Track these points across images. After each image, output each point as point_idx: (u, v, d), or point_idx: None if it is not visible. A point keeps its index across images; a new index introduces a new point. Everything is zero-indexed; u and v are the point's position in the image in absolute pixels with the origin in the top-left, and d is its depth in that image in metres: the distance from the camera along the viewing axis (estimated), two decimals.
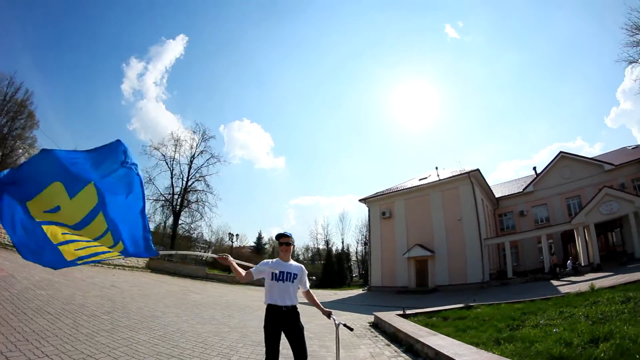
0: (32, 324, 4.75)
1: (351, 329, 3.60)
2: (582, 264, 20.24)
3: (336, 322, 3.47)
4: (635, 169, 25.10)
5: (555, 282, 17.04)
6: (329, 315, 3.60)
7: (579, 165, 27.23)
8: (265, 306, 3.47)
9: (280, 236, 3.63)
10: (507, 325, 6.13)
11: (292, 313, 3.42)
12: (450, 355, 4.23)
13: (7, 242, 14.36)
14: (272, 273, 3.45)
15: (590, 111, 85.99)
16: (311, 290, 3.73)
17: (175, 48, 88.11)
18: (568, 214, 25.80)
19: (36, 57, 62.96)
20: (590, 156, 27.68)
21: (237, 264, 3.53)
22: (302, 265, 3.72)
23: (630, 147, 29.11)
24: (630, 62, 21.78)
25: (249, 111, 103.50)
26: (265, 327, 3.37)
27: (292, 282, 3.48)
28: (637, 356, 3.39)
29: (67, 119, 72.03)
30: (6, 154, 34.53)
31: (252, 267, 3.56)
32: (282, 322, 3.36)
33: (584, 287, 9.58)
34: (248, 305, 11.88)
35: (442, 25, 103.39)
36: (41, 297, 6.63)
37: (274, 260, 3.62)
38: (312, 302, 3.67)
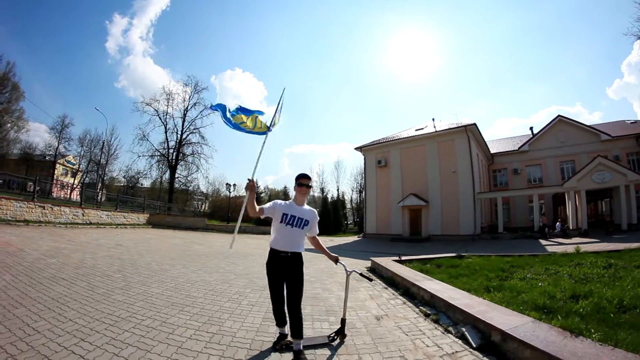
0: (50, 292, 4.86)
1: (370, 279, 3.83)
2: (570, 228, 20.90)
3: (348, 270, 3.58)
4: (631, 143, 25.13)
5: (543, 242, 17.56)
6: (336, 260, 3.50)
7: (576, 131, 27.11)
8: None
9: (300, 177, 3.28)
10: (496, 276, 6.47)
11: (292, 259, 3.18)
12: (445, 299, 4.52)
13: (10, 218, 14.15)
14: (283, 214, 3.15)
15: (592, 80, 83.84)
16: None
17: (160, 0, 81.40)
18: (561, 177, 26.16)
19: (13, 27, 58.05)
20: (588, 123, 27.55)
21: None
22: (315, 211, 3.40)
23: (629, 121, 28.93)
24: None
25: (240, 60, 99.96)
26: (267, 272, 3.24)
27: (302, 228, 3.20)
28: (611, 314, 3.72)
29: (53, 86, 69.87)
30: None
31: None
32: (281, 267, 3.16)
33: (570, 249, 9.88)
34: (249, 252, 12.12)
35: None
36: (53, 266, 6.67)
37: (288, 201, 3.31)
38: (318, 247, 3.52)
